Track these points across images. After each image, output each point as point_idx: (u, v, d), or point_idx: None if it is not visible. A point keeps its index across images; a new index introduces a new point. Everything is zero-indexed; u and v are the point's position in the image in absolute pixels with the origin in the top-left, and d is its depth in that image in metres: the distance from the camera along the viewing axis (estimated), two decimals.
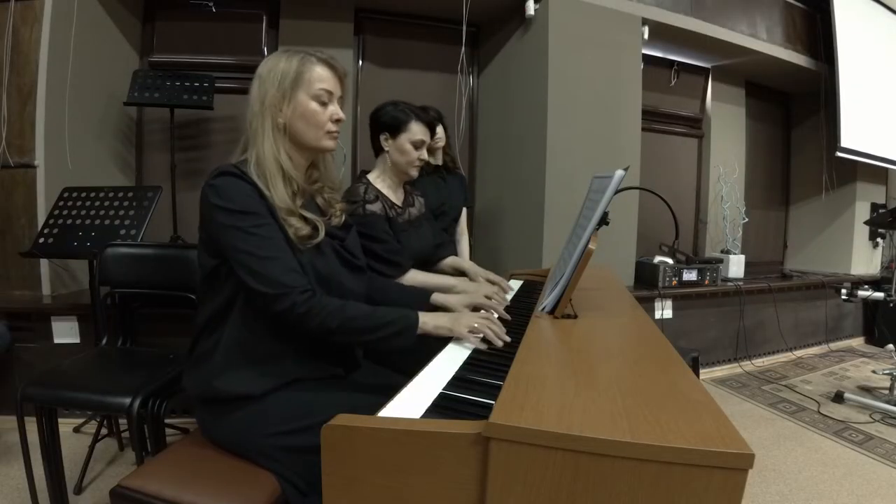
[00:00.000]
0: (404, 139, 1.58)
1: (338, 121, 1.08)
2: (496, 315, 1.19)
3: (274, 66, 1.04)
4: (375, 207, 1.54)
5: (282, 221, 0.99)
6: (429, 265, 1.76)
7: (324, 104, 1.06)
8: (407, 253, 1.58)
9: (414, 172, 1.64)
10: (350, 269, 1.14)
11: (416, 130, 1.59)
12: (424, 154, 1.62)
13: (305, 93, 1.04)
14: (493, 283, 1.60)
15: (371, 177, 1.63)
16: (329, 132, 1.08)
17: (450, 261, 1.85)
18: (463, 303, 1.28)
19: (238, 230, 0.95)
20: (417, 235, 1.67)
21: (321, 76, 1.05)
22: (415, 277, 1.57)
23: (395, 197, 1.65)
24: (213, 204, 0.96)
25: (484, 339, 1.05)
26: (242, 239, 0.94)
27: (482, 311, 1.22)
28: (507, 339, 1.05)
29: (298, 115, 1.04)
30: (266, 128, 1.02)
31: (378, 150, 1.65)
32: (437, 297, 1.30)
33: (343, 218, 1.17)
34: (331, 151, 1.14)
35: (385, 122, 1.60)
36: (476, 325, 1.06)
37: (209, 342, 1.03)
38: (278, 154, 1.03)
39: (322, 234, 1.05)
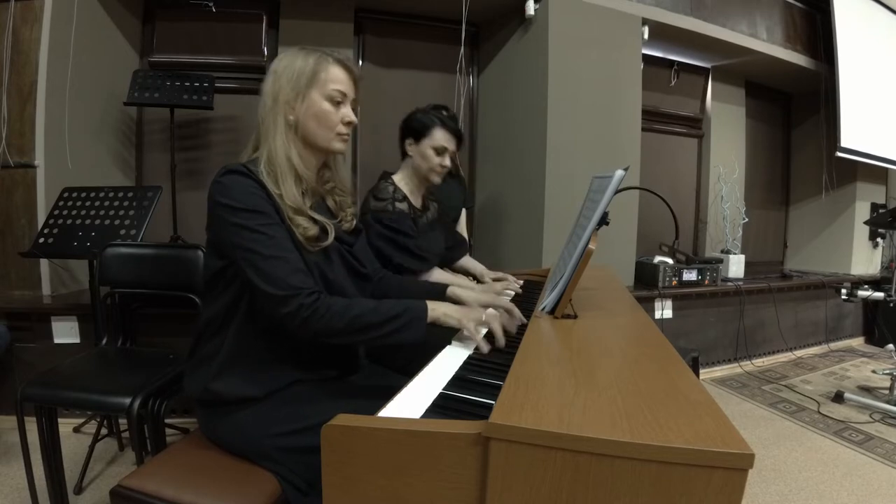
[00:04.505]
0: (426, 144, 1.60)
1: (349, 123, 1.08)
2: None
3: (290, 63, 1.03)
4: (404, 206, 1.59)
5: (289, 222, 0.98)
6: (443, 267, 1.81)
7: (337, 105, 1.05)
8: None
9: (435, 178, 1.65)
10: (355, 277, 1.13)
11: (439, 137, 1.60)
12: (447, 161, 1.63)
13: (319, 92, 1.03)
14: (499, 280, 1.62)
15: (395, 178, 1.66)
16: (339, 134, 1.07)
17: (462, 260, 1.90)
18: (479, 300, 1.27)
19: (244, 228, 0.93)
20: (432, 238, 1.71)
21: (336, 77, 1.05)
22: (441, 276, 1.61)
23: (416, 201, 1.68)
24: (219, 202, 0.95)
25: (489, 335, 1.04)
26: (248, 238, 0.93)
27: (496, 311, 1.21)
28: (513, 332, 1.06)
29: (311, 114, 1.04)
30: (278, 124, 1.02)
31: (404, 155, 1.67)
32: (453, 290, 1.28)
33: (354, 223, 1.16)
34: (340, 153, 1.13)
35: (411, 127, 1.63)
36: (484, 318, 1.05)
37: (211, 345, 1.03)
38: (289, 151, 1.02)
39: (331, 237, 1.04)
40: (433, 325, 1.01)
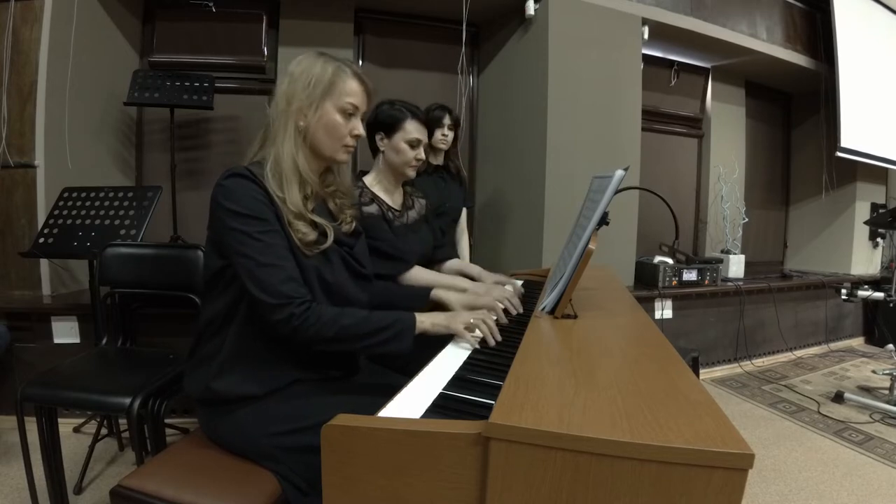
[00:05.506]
0: (399, 138, 1.54)
1: (356, 136, 1.09)
2: (495, 317, 1.19)
3: (308, 69, 1.04)
4: (372, 209, 1.52)
5: (288, 228, 0.99)
6: (429, 266, 1.74)
7: (348, 117, 1.07)
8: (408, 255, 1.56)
9: (411, 173, 1.59)
10: (356, 278, 1.14)
11: (412, 129, 1.54)
12: (421, 154, 1.58)
13: (333, 104, 1.04)
14: (501, 283, 1.60)
15: (367, 179, 1.60)
16: (346, 146, 1.09)
17: (455, 264, 1.81)
18: (462, 301, 1.28)
19: (242, 234, 0.94)
20: (416, 238, 1.64)
21: (353, 90, 1.06)
22: (419, 275, 1.55)
23: (393, 200, 1.61)
24: (221, 205, 0.96)
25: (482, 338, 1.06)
26: (246, 243, 0.94)
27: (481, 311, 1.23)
28: (499, 338, 1.06)
29: (321, 124, 1.04)
30: (288, 128, 1.02)
31: (374, 151, 1.61)
32: (437, 293, 1.31)
33: (354, 225, 1.17)
34: (343, 164, 1.14)
35: (380, 122, 1.56)
36: (472, 321, 1.07)
37: (212, 345, 1.03)
38: (297, 156, 1.03)
39: (330, 239, 1.05)
40: (425, 336, 1.04)
